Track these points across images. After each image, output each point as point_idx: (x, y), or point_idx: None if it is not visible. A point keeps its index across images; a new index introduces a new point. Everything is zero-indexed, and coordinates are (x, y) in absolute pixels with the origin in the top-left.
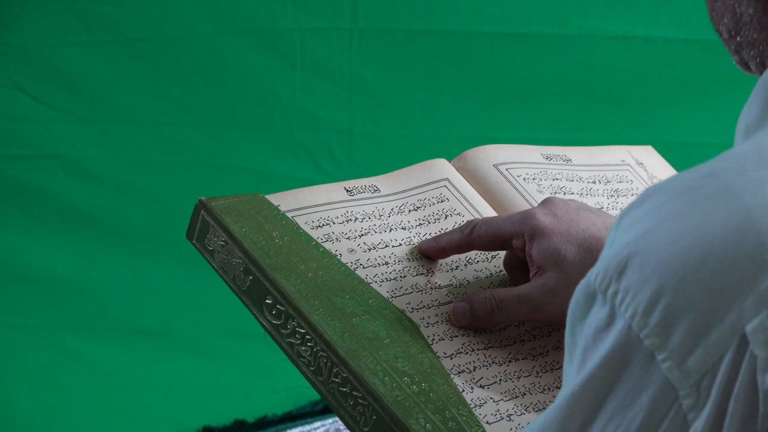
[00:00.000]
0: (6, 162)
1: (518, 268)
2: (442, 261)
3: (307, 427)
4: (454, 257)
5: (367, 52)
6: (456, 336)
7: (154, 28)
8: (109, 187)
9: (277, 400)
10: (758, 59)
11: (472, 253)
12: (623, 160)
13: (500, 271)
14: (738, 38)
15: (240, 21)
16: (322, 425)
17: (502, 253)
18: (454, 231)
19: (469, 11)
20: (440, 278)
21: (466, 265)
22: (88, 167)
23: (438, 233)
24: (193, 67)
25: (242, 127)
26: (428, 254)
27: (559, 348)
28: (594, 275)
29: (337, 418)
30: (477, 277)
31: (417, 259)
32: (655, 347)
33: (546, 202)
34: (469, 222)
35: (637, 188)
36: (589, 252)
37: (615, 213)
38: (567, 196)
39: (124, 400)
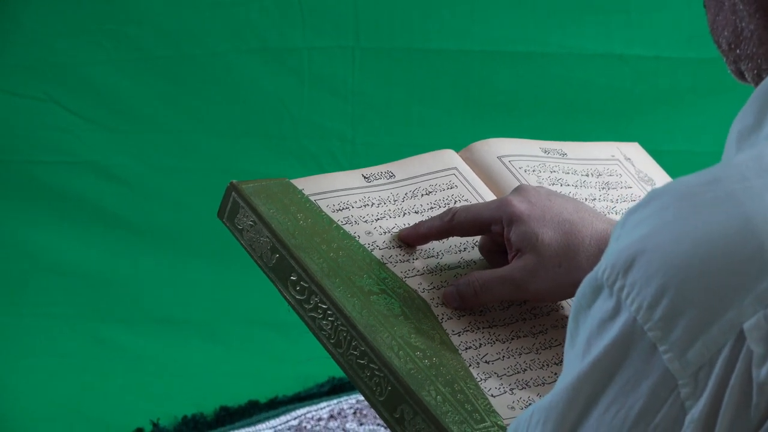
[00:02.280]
0: (42, 168)
1: (494, 252)
2: (451, 243)
3: (314, 407)
4: (462, 240)
5: (368, 69)
6: (463, 315)
7: (175, 47)
8: (135, 189)
9: (287, 382)
10: (755, 71)
11: (479, 236)
12: (613, 156)
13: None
14: (737, 51)
15: (253, 40)
16: (327, 405)
17: None
18: (434, 218)
19: (460, 32)
20: (449, 260)
21: (473, 247)
22: (116, 172)
23: None
24: (211, 81)
25: (255, 136)
26: (408, 241)
27: (557, 327)
28: (602, 269)
29: (341, 399)
30: (483, 258)
31: (429, 243)
32: (657, 339)
33: (519, 190)
34: (448, 209)
35: (626, 181)
36: (564, 234)
37: (606, 203)
38: (563, 188)
39: (148, 381)
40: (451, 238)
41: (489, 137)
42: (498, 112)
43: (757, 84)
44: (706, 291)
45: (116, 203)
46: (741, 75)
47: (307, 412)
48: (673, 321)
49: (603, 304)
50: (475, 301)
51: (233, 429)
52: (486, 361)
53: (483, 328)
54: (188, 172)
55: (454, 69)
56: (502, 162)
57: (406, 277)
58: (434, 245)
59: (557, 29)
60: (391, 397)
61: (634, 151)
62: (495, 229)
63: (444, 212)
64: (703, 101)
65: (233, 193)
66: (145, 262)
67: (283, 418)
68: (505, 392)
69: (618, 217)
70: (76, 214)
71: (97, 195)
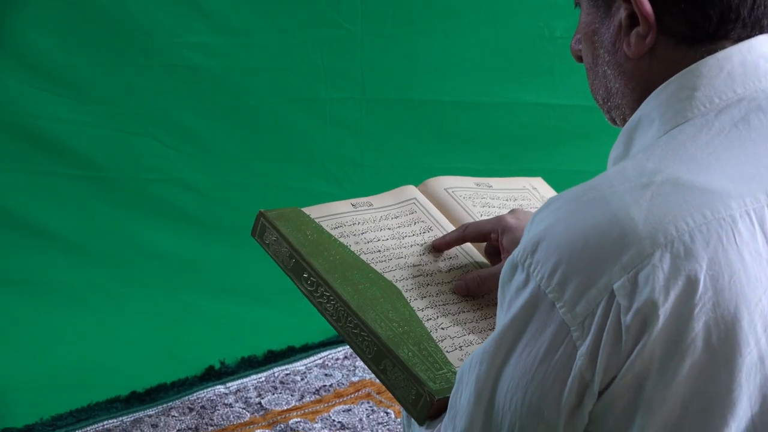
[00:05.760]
0: (143, 183)
1: (494, 254)
2: (414, 249)
3: (334, 351)
4: (422, 246)
5: (372, 114)
6: (425, 297)
7: (237, 99)
8: (209, 198)
9: (315, 333)
10: (622, 117)
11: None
12: (524, 186)
13: (448, 259)
14: (609, 103)
15: (292, 94)
16: (343, 349)
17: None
18: (452, 231)
19: (435, 88)
20: (414, 261)
21: (425, 253)
22: (195, 186)
23: (410, 233)
24: (262, 122)
25: (292, 161)
26: (439, 248)
27: (490, 305)
28: (517, 253)
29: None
30: (435, 260)
31: (398, 248)
32: (555, 299)
33: (513, 211)
34: (462, 224)
35: (535, 204)
36: None
37: None
38: (491, 209)
39: (218, 333)
40: (414, 245)
41: (456, 164)
42: (462, 144)
43: (624, 125)
44: (587, 264)
45: (195, 208)
46: (614, 121)
47: (329, 354)
48: (566, 285)
49: (518, 277)
50: (478, 291)
51: (276, 366)
52: (442, 329)
53: (438, 305)
54: (246, 186)
55: (431, 113)
56: (447, 192)
57: (384, 272)
58: (402, 251)
59: (504, 85)
60: (377, 355)
61: (538, 183)
62: (493, 236)
63: (459, 227)
64: (608, 136)
65: (261, 218)
66: (215, 249)
67: (311, 358)
68: (456, 349)
69: None
70: (167, 215)
71: (182, 202)
